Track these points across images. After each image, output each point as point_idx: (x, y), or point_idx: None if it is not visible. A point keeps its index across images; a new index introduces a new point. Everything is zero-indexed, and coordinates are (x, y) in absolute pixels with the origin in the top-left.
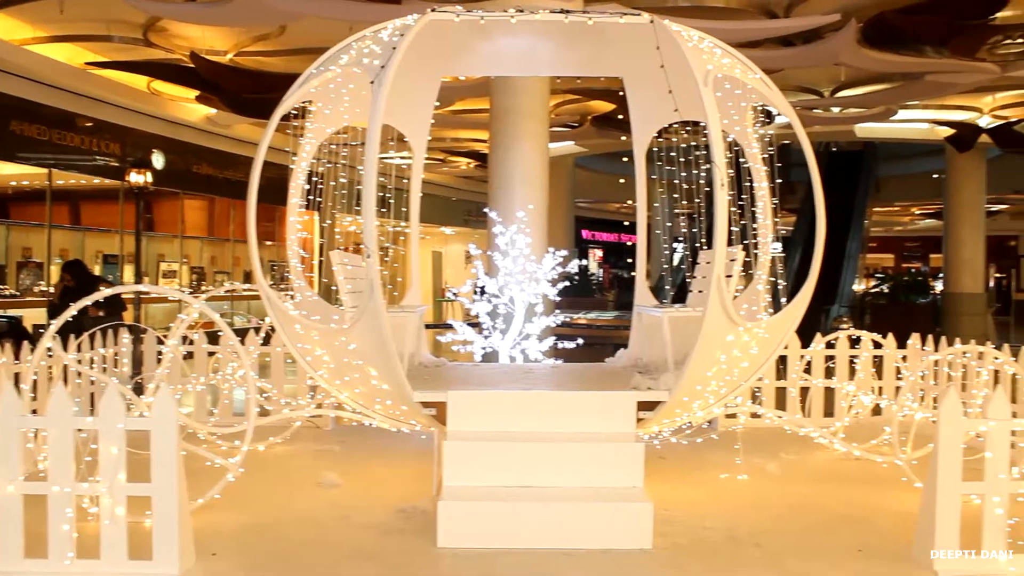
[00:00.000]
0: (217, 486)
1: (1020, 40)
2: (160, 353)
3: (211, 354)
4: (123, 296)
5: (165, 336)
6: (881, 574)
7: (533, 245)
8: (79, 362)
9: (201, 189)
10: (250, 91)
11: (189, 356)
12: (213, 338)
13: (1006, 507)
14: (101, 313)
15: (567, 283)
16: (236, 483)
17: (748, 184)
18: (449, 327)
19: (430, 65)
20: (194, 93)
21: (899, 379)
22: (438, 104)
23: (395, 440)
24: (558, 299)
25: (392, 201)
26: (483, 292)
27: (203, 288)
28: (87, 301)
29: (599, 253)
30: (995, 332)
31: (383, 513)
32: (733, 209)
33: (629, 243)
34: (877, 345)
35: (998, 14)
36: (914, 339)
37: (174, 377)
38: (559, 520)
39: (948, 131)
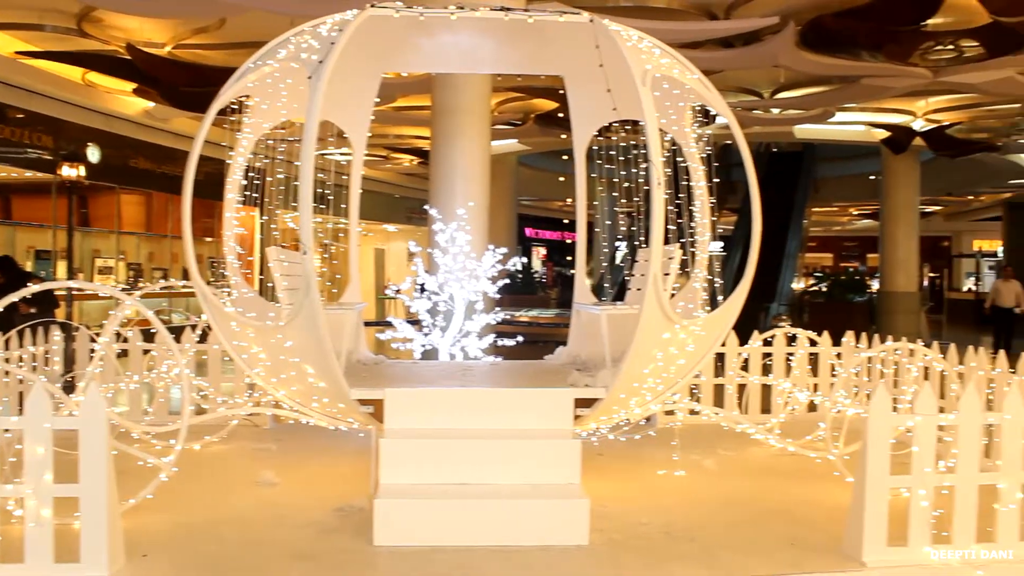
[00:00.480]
0: (149, 486)
1: (951, 46)
2: (93, 351)
3: (146, 352)
4: (55, 293)
5: (99, 334)
6: (812, 566)
7: (473, 242)
8: (7, 360)
9: (139, 184)
10: (189, 85)
11: (124, 354)
12: (150, 336)
13: (931, 499)
14: (33, 310)
15: (510, 280)
16: (170, 483)
17: (686, 183)
18: (389, 324)
19: (370, 61)
20: (131, 86)
21: (834, 376)
22: (379, 100)
23: (333, 438)
24: (498, 296)
25: (332, 198)
26: (423, 289)
27: (140, 285)
28: (14, 297)
29: (543, 251)
30: (928, 330)
31: (320, 512)
32: (671, 208)
33: (572, 241)
34: (813, 343)
35: (929, 20)
36: (848, 337)
37: (107, 375)
38: (496, 517)
39: (884, 133)
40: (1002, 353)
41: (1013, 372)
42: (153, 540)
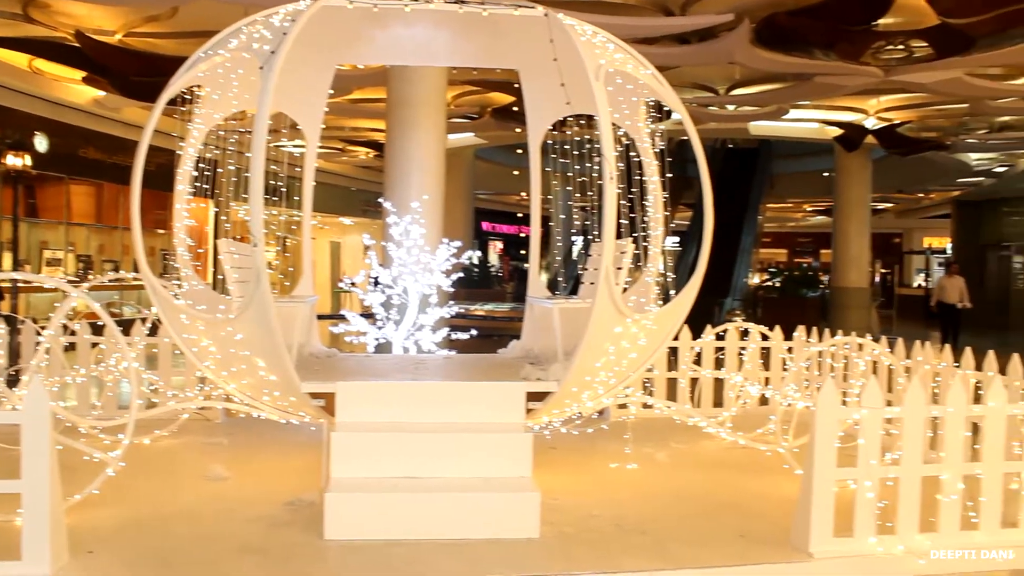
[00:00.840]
0: (95, 481)
1: (901, 46)
2: (39, 344)
3: (94, 345)
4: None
5: (45, 327)
6: (761, 558)
7: (428, 236)
8: None
9: (89, 174)
10: (140, 74)
11: (72, 347)
12: (99, 329)
13: (876, 491)
14: None
15: (466, 274)
16: (118, 478)
17: (640, 178)
18: (343, 318)
19: (324, 52)
20: (80, 74)
21: (785, 370)
22: (334, 92)
23: (284, 432)
24: (453, 290)
25: (285, 190)
26: (377, 283)
27: (89, 277)
28: None
29: (499, 245)
30: (878, 325)
31: (271, 506)
32: (624, 202)
33: (528, 235)
34: (765, 337)
35: (880, 20)
36: (799, 331)
37: (54, 369)
38: (447, 511)
39: (836, 131)
40: (947, 348)
41: (957, 366)
42: (100, 536)
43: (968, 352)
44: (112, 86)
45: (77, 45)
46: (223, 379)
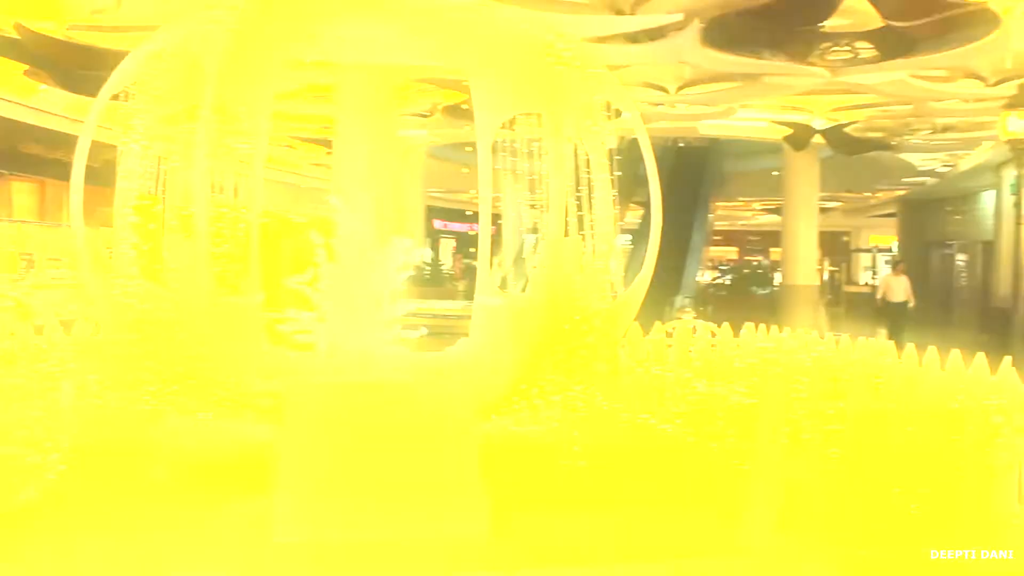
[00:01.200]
0: (33, 485)
1: (847, 47)
2: None
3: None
4: None
5: None
6: (707, 551)
7: (378, 234)
8: None
9: (31, 170)
10: (84, 68)
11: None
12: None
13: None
14: None
15: (417, 272)
16: (58, 481)
17: (589, 176)
18: (291, 316)
19: (273, 48)
20: (22, 67)
21: (734, 367)
22: (283, 87)
23: (233, 432)
24: (403, 288)
25: (234, 187)
26: (326, 281)
27: (31, 275)
28: None
29: (453, 243)
30: (827, 322)
31: (219, 506)
32: (572, 200)
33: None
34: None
35: (826, 22)
36: (747, 328)
37: None
38: (395, 508)
39: (785, 131)
40: (892, 344)
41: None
42: (38, 541)
43: (911, 348)
44: (55, 80)
45: (18, 38)
46: (171, 378)
